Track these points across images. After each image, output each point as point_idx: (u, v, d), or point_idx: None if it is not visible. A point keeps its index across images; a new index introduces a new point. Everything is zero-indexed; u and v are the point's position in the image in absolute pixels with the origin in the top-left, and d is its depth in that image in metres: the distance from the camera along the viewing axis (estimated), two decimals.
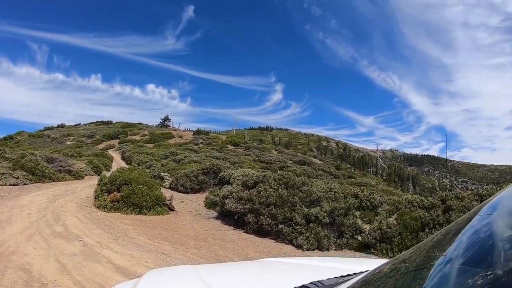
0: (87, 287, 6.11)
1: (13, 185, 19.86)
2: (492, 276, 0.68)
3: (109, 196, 15.07)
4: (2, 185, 19.46)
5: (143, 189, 15.10)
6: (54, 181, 24.00)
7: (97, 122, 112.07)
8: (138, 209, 14.52)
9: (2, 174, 20.90)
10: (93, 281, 6.39)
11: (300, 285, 1.75)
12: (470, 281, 0.71)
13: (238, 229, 13.53)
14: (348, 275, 1.86)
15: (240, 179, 17.20)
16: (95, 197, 15.82)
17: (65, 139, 76.91)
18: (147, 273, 2.35)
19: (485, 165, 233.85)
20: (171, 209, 16.07)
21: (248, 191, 14.35)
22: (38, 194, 16.92)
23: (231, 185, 17.87)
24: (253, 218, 13.11)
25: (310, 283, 1.77)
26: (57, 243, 8.84)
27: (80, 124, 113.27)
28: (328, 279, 1.86)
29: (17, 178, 21.10)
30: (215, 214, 16.11)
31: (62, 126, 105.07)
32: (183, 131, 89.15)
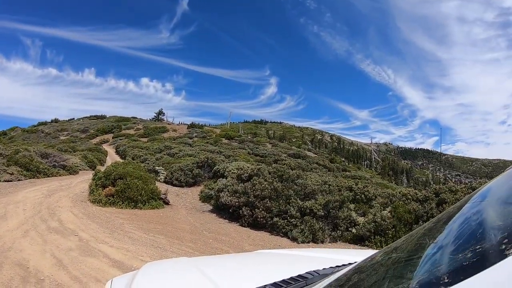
0: (83, 281, 6.13)
1: (8, 181, 19.88)
2: (481, 262, 0.70)
3: (104, 190, 15.07)
4: None
5: (138, 183, 15.10)
6: (48, 176, 24.00)
7: (91, 116, 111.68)
8: (133, 203, 14.54)
9: None
10: (90, 276, 6.42)
11: (296, 274, 1.78)
12: (459, 267, 0.74)
13: (233, 222, 13.56)
14: (344, 265, 1.89)
15: (234, 173, 17.19)
16: (90, 192, 15.81)
17: (59, 134, 76.60)
18: (144, 266, 2.37)
19: (479, 159, 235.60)
20: (166, 203, 16.08)
21: (243, 184, 14.38)
22: (33, 190, 16.90)
23: (226, 178, 17.85)
24: (248, 211, 13.14)
25: (307, 272, 1.80)
26: (53, 238, 8.86)
27: (74, 119, 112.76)
28: (324, 269, 1.89)
29: (12, 174, 21.11)
30: (210, 207, 16.12)
31: (55, 121, 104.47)
32: (177, 124, 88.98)
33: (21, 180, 20.99)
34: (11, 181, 20.17)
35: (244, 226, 13.00)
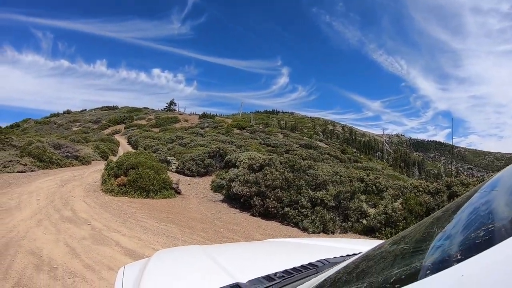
0: (96, 269, 6.21)
1: (21, 172, 20.13)
2: (492, 239, 0.71)
3: (116, 180, 15.20)
4: (10, 172, 19.75)
5: (150, 173, 15.21)
6: (61, 167, 24.23)
7: (103, 107, 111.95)
8: (145, 192, 14.66)
9: (9, 161, 21.23)
10: (102, 264, 6.50)
11: (307, 263, 1.79)
12: (471, 246, 0.74)
13: (244, 212, 13.61)
14: (354, 254, 1.89)
15: (246, 162, 17.19)
16: (102, 182, 15.98)
17: (71, 125, 76.86)
18: (156, 253, 2.40)
19: (492, 152, 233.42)
20: (178, 192, 16.17)
21: (254, 174, 14.40)
22: (46, 180, 17.08)
23: (237, 168, 17.87)
24: (259, 201, 13.18)
25: (317, 261, 1.81)
26: (66, 227, 8.97)
27: (86, 110, 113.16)
28: (334, 257, 1.90)
29: (25, 165, 21.39)
30: (222, 197, 16.18)
31: (68, 112, 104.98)
32: (189, 115, 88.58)
33: (34, 170, 21.25)
34: (24, 172, 20.43)
35: (255, 216, 13.05)
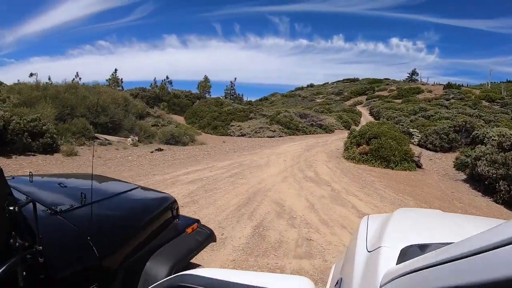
0: (330, 225, 6.66)
1: (270, 137, 22.78)
2: None
3: (358, 148, 15.67)
4: (261, 137, 22.43)
5: (391, 144, 15.22)
6: (306, 134, 26.10)
7: (344, 80, 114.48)
8: (385, 162, 14.79)
9: (260, 128, 24.17)
10: (336, 221, 6.92)
11: None
12: None
13: (486, 197, 12.51)
14: None
15: (495, 140, 15.86)
16: (344, 149, 16.65)
17: (314, 97, 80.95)
18: (399, 209, 2.53)
19: None
20: (419, 166, 15.83)
21: (504, 154, 13.20)
22: (292, 145, 18.66)
23: (485, 145, 16.64)
24: (505, 186, 11.96)
25: None
26: (308, 186, 9.79)
27: (327, 83, 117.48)
28: None
29: (274, 131, 24.04)
30: (464, 176, 15.16)
31: (311, 86, 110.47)
32: (432, 85, 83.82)
33: (282, 136, 23.61)
34: (273, 137, 22.99)
35: (498, 203, 11.80)
